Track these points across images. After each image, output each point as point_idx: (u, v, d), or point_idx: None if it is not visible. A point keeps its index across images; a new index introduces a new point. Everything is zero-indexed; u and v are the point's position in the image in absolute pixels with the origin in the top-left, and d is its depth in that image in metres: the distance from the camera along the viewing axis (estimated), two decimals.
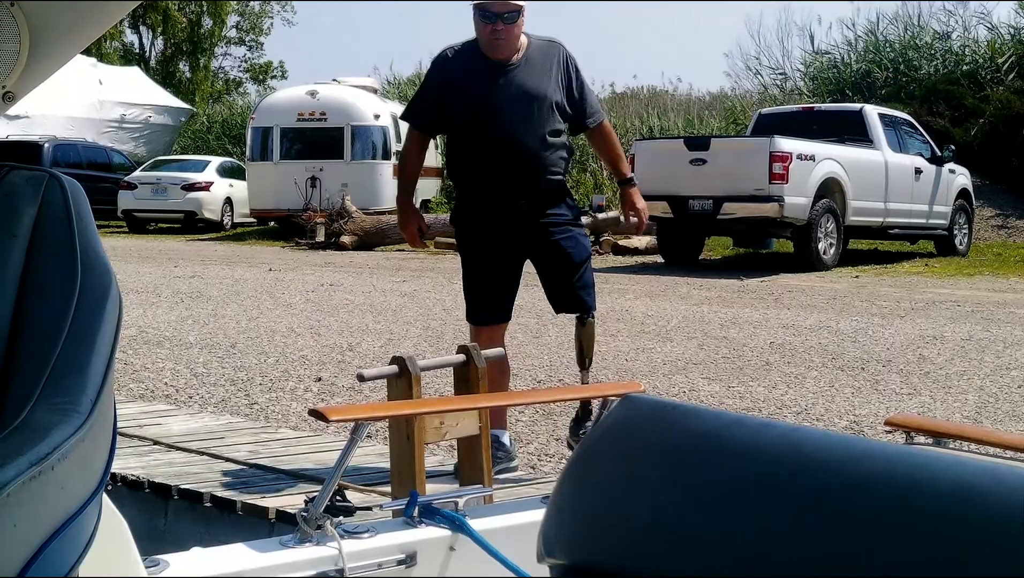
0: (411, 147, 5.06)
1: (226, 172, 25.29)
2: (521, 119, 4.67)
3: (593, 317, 4.83)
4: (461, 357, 3.85)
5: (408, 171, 5.11)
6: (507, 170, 4.69)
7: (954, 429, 2.29)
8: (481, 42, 4.68)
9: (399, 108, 24.45)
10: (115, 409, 1.60)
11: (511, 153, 4.67)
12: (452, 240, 18.62)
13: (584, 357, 4.80)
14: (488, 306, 4.83)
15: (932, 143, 17.24)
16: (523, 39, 4.73)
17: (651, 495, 1.22)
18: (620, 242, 17.62)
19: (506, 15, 4.57)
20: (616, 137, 5.14)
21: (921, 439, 2.25)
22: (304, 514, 2.27)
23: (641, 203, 5.02)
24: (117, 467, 4.44)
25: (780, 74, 29.90)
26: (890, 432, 2.84)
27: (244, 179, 23.72)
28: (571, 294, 4.81)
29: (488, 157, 4.71)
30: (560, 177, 4.82)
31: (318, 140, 22.31)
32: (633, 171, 18.03)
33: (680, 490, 1.19)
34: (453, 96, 4.75)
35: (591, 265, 4.92)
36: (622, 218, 5.14)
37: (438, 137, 27.28)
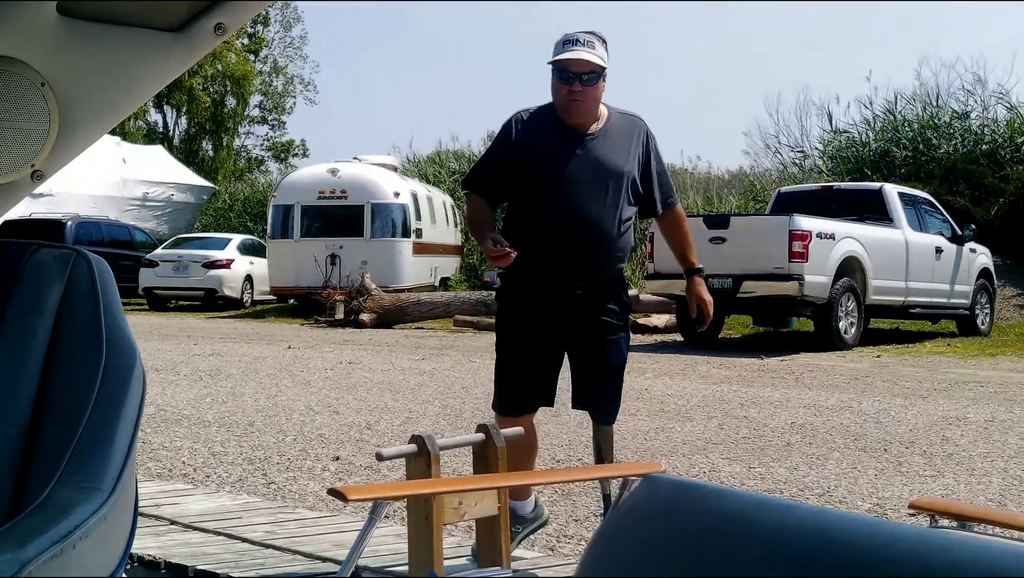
0: (476, 210, 4.50)
1: (247, 249, 25.48)
2: (597, 195, 4.30)
3: (611, 425, 4.53)
4: (480, 436, 3.83)
5: (479, 216, 4.47)
6: (572, 250, 4.31)
7: (979, 513, 2.27)
8: (557, 104, 4.33)
9: (419, 186, 24.76)
10: (137, 487, 1.60)
11: (580, 231, 4.29)
12: (471, 317, 18.45)
13: (603, 463, 4.50)
14: (531, 395, 4.45)
15: (952, 222, 17.24)
16: (603, 109, 4.39)
17: (674, 576, 1.21)
18: (639, 321, 17.61)
19: (585, 76, 4.22)
20: (687, 224, 4.75)
21: (946, 522, 2.23)
22: None
23: (707, 296, 4.60)
24: (134, 547, 4.42)
25: (799, 152, 30.05)
26: (914, 515, 2.82)
27: (265, 256, 23.89)
28: (596, 400, 4.49)
29: (553, 233, 4.30)
30: (622, 265, 4.48)
31: (338, 218, 22.48)
32: (652, 249, 17.90)
33: (704, 571, 1.18)
34: (523, 162, 4.34)
35: (623, 376, 4.57)
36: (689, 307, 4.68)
37: (453, 209, 27.11)
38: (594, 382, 4.46)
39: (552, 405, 4.57)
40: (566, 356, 4.54)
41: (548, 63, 4.27)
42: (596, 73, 4.23)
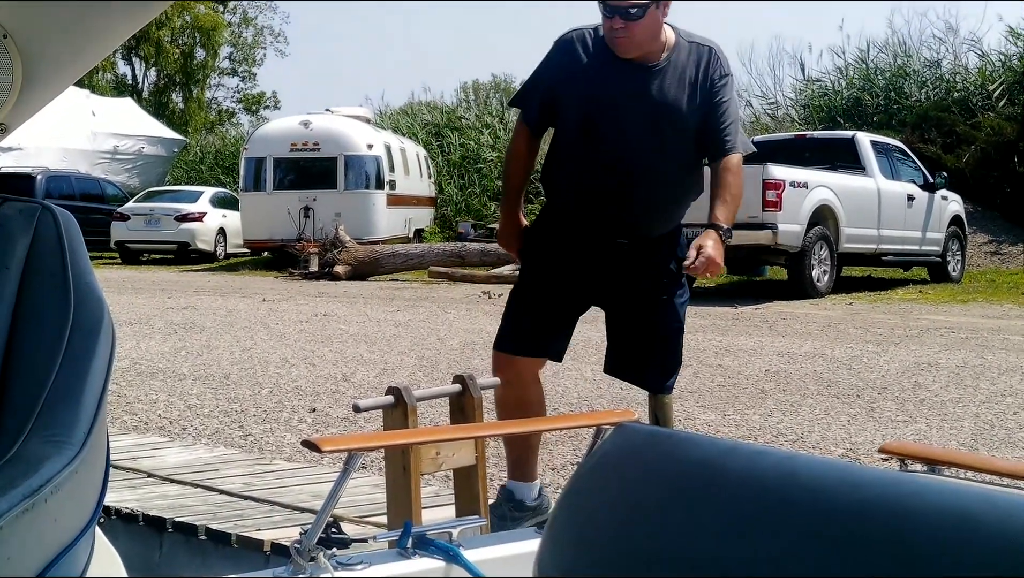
0: (517, 145, 3.99)
1: (219, 203, 25.33)
2: (651, 138, 3.71)
3: (670, 393, 3.96)
4: (457, 387, 3.83)
5: (511, 173, 4.05)
6: (616, 200, 3.75)
7: (948, 456, 2.29)
8: (606, 37, 3.72)
9: (392, 138, 24.60)
10: (108, 441, 1.59)
11: (627, 180, 3.73)
12: (446, 269, 18.39)
13: None
14: (537, 337, 3.93)
15: (924, 170, 17.30)
16: (670, 36, 3.74)
17: (647, 522, 1.22)
18: None
19: (631, 10, 3.57)
20: (739, 184, 3.79)
21: (916, 467, 2.25)
22: (297, 546, 2.25)
23: (711, 251, 3.62)
24: (111, 500, 4.42)
25: (771, 103, 30.01)
26: (886, 460, 2.84)
27: (237, 209, 23.77)
28: (641, 368, 3.97)
29: (597, 177, 3.76)
30: (679, 220, 3.92)
31: (311, 170, 22.37)
32: None
33: (676, 517, 1.18)
34: (571, 89, 3.78)
35: (681, 341, 3.97)
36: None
37: (426, 161, 26.48)
38: (640, 349, 3.93)
39: (559, 360, 4.09)
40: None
41: None
42: (642, 7, 3.58)
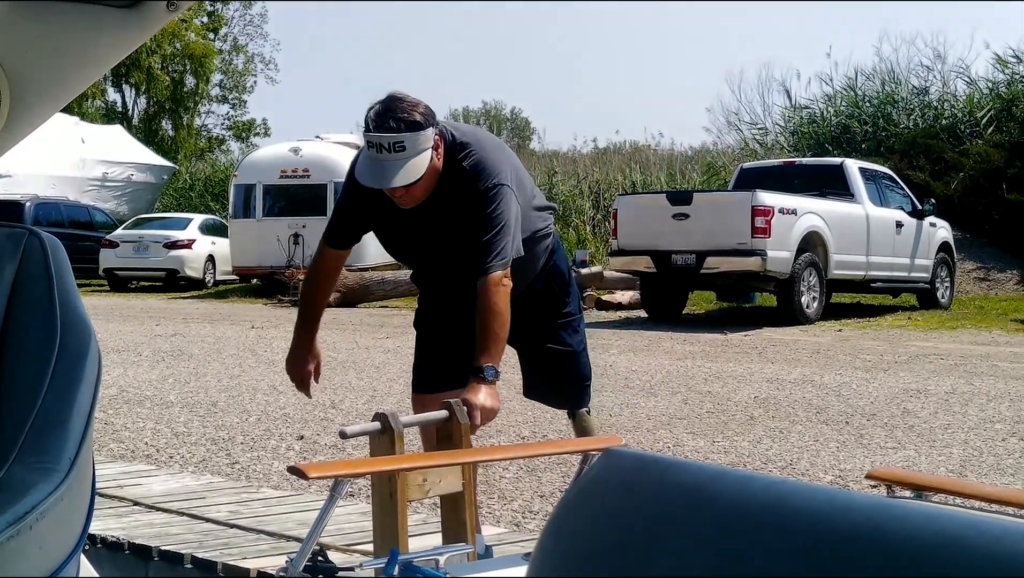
0: (317, 264, 4.16)
1: (208, 230, 25.29)
2: (452, 255, 3.79)
3: (586, 410, 4.13)
4: (444, 413, 3.82)
5: (307, 298, 4.19)
6: (454, 297, 3.89)
7: (934, 482, 2.29)
8: None
9: None
10: (94, 467, 1.58)
11: (450, 288, 3.90)
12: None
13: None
14: (435, 369, 3.98)
15: (912, 197, 17.37)
16: (437, 160, 3.62)
17: (634, 548, 1.21)
18: (603, 297, 17.65)
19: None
20: (500, 304, 3.54)
21: (905, 493, 2.25)
22: (283, 574, 2.25)
23: (479, 400, 3.47)
24: (97, 528, 4.40)
25: (759, 129, 30.14)
26: (874, 486, 2.84)
27: (226, 236, 23.73)
28: (550, 395, 4.26)
29: (427, 284, 4.08)
30: (533, 275, 3.92)
31: (301, 197, 22.35)
32: (615, 226, 17.66)
33: (663, 543, 1.18)
34: (372, 221, 3.94)
35: (585, 359, 4.09)
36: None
37: None
38: (541, 377, 4.14)
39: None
40: None
41: (356, 179, 3.59)
42: (415, 179, 3.52)
